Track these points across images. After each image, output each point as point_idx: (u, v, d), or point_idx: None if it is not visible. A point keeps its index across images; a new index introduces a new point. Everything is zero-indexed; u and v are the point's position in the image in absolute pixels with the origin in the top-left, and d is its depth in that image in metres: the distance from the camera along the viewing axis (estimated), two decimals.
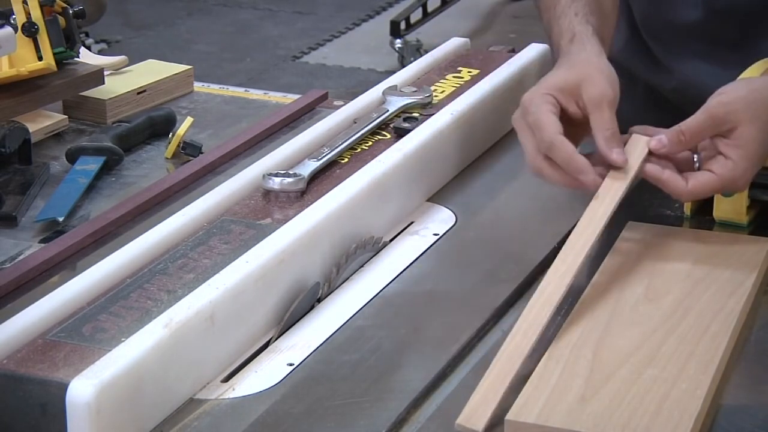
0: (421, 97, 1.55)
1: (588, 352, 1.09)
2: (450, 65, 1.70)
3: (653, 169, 1.25)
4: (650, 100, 1.63)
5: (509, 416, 1.00)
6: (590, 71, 1.28)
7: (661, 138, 1.26)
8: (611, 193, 1.22)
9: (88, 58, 1.73)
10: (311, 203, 1.27)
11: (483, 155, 1.54)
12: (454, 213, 1.40)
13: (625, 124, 1.65)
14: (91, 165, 1.50)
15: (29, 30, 1.57)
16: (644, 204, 1.41)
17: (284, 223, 1.23)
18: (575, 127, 1.27)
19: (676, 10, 1.55)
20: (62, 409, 0.96)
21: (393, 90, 1.57)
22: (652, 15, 1.59)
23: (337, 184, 1.31)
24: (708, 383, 1.04)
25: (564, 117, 1.26)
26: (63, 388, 0.97)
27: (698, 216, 1.38)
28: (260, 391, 1.07)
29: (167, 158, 1.57)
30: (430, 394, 1.08)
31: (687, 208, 1.38)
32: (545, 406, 1.01)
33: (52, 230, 1.37)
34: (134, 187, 1.48)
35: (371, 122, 1.49)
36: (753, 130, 1.22)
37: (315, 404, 1.05)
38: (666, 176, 1.24)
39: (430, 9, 5.02)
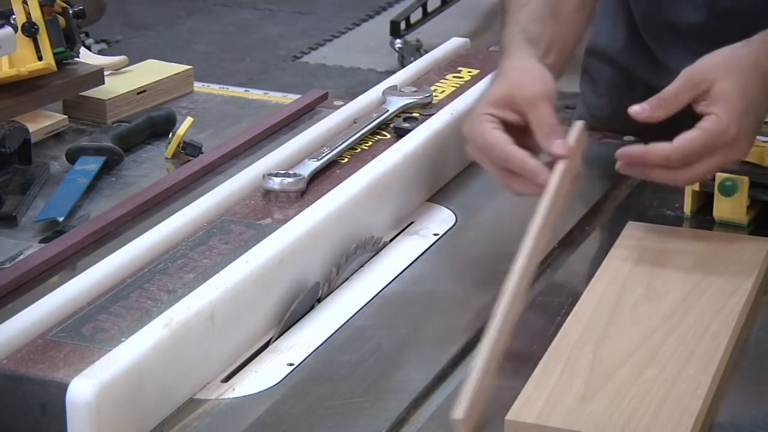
0: (421, 97, 1.55)
1: (588, 352, 1.09)
2: (450, 65, 1.70)
3: (634, 149, 1.24)
4: None
5: (509, 416, 1.00)
6: (518, 77, 1.28)
7: (642, 104, 1.26)
8: (551, 182, 1.21)
9: (88, 58, 1.72)
10: (311, 203, 1.27)
11: None
12: (454, 213, 1.40)
13: (625, 124, 1.65)
14: (91, 165, 1.50)
15: (29, 30, 1.57)
16: (644, 204, 1.41)
17: (284, 223, 1.23)
18: (527, 137, 1.26)
19: (678, 10, 1.55)
20: (62, 409, 0.96)
21: (393, 90, 1.57)
22: (652, 15, 1.59)
23: (337, 184, 1.31)
24: (708, 383, 1.04)
25: (511, 130, 1.25)
26: (63, 388, 0.97)
27: (698, 216, 1.38)
28: (260, 391, 1.07)
29: (167, 158, 1.56)
30: (430, 394, 1.08)
31: (687, 208, 1.38)
32: (545, 406, 1.01)
33: (52, 230, 1.37)
34: (134, 187, 1.48)
35: (371, 122, 1.49)
36: (729, 84, 1.23)
37: (315, 404, 1.05)
38: (649, 146, 1.24)
39: (430, 9, 5.02)
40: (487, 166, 1.26)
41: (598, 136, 1.62)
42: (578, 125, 1.27)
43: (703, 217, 1.37)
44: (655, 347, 1.09)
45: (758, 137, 1.37)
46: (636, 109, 1.26)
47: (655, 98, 1.26)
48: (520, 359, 1.11)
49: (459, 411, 0.99)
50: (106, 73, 1.70)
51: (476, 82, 1.59)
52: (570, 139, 1.24)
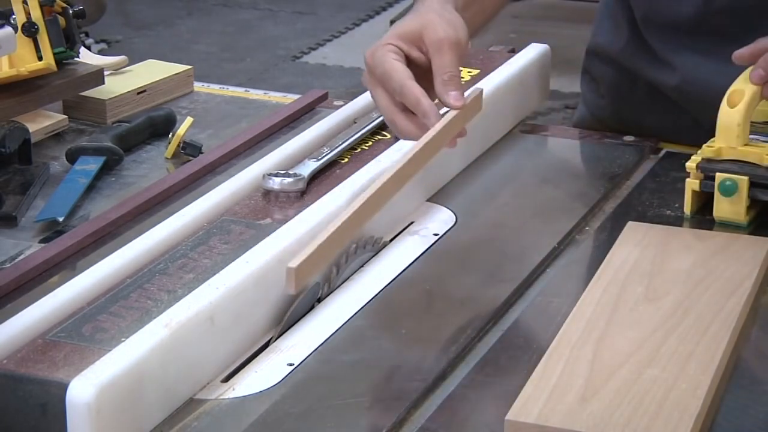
0: None
1: (588, 352, 1.09)
2: None
3: (742, 50, 1.33)
4: (652, 99, 1.63)
5: (509, 416, 1.00)
6: (431, 17, 1.27)
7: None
8: (435, 126, 1.20)
9: (88, 58, 1.72)
10: (311, 203, 1.27)
11: (483, 155, 1.54)
12: (454, 213, 1.40)
13: (626, 124, 1.66)
14: (91, 165, 1.50)
15: (29, 30, 1.57)
16: (644, 204, 1.41)
17: (284, 223, 1.23)
18: (426, 80, 1.25)
19: (677, 6, 1.55)
20: (62, 409, 0.96)
21: None
22: (653, 13, 1.59)
23: (337, 184, 1.31)
24: (708, 383, 1.04)
25: (413, 67, 1.25)
26: (63, 388, 0.97)
27: (698, 216, 1.38)
28: (260, 391, 1.07)
29: (167, 158, 1.56)
30: (430, 394, 1.08)
31: (687, 208, 1.38)
32: (545, 406, 1.01)
33: (52, 230, 1.37)
34: (134, 187, 1.48)
35: (371, 122, 1.49)
36: None
37: (315, 404, 1.05)
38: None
39: None
40: (380, 97, 1.26)
41: (598, 136, 1.62)
42: (478, 90, 1.27)
43: (703, 217, 1.37)
44: (655, 347, 1.09)
45: (758, 137, 1.37)
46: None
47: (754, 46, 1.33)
48: (521, 359, 1.11)
49: (296, 260, 1.00)
50: (106, 73, 1.70)
51: (476, 82, 1.58)
52: (467, 94, 1.24)
